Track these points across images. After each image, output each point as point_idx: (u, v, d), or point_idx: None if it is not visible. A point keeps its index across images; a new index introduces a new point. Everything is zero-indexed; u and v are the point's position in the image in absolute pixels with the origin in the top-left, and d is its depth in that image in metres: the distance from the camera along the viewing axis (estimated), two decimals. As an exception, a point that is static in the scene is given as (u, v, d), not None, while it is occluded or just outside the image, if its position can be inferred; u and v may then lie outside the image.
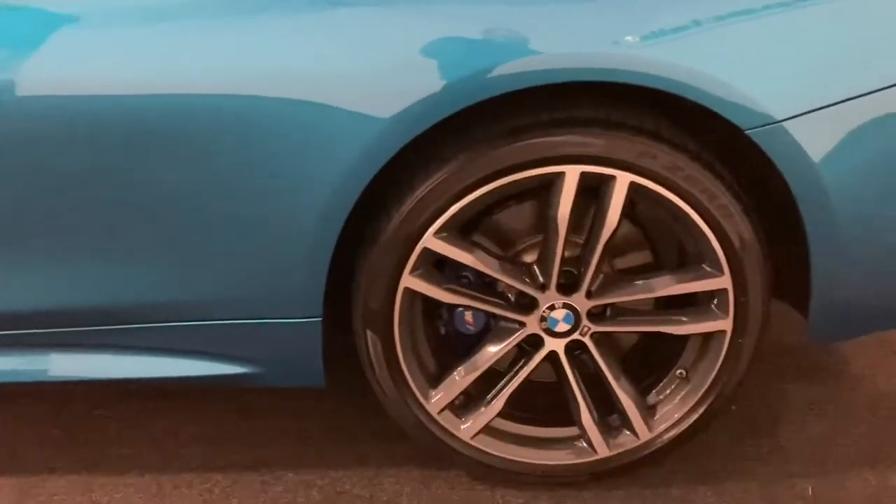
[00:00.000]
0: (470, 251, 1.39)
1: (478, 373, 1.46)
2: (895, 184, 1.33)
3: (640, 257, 1.54)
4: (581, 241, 1.43)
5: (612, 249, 1.50)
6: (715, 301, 1.42)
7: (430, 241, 1.36)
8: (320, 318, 1.41)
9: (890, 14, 1.27)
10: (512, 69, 1.23)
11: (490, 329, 1.50)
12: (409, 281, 1.39)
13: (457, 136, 1.34)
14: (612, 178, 1.32)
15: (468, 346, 1.51)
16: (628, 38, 1.23)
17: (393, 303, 1.40)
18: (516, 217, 1.50)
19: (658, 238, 1.52)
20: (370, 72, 1.26)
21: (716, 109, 1.25)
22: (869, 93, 1.26)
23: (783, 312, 1.56)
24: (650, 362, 1.55)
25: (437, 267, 1.45)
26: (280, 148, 1.28)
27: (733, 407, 1.78)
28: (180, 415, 1.75)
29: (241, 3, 1.29)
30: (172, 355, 1.48)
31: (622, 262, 1.53)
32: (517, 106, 1.32)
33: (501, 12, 1.25)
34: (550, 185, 1.34)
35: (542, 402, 1.56)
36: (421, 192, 1.33)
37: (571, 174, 1.32)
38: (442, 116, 1.25)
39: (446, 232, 1.36)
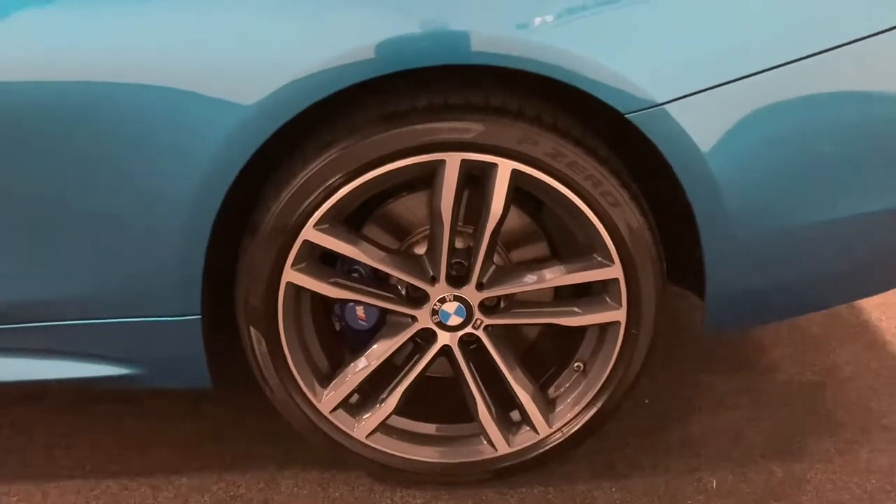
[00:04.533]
0: (354, 243, 1.34)
1: (370, 369, 1.41)
2: (780, 167, 1.30)
3: (537, 249, 1.51)
4: (471, 232, 1.39)
5: (508, 242, 1.48)
6: (607, 291, 1.39)
7: (310, 233, 1.31)
8: (199, 317, 1.35)
9: (764, 2, 1.24)
10: (377, 52, 1.19)
11: (384, 322, 1.46)
12: (291, 275, 1.34)
13: (333, 123, 1.29)
14: (494, 165, 1.28)
15: (363, 341, 1.47)
16: (501, 20, 1.19)
17: (276, 298, 1.35)
18: (409, 207, 1.46)
19: (554, 230, 1.48)
20: (232, 56, 1.21)
21: (594, 93, 1.21)
22: (750, 75, 1.23)
23: (698, 302, 1.54)
24: (550, 356, 1.52)
25: (328, 260, 1.40)
26: (142, 139, 1.23)
27: (646, 400, 1.76)
28: (68, 418, 1.69)
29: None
30: (50, 357, 1.41)
31: (519, 255, 1.49)
32: (395, 91, 1.28)
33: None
34: (434, 173, 1.30)
35: (442, 399, 1.52)
36: (298, 182, 1.28)
37: (452, 162, 1.28)
38: (308, 103, 1.21)
39: (327, 223, 1.31)
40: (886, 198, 1.36)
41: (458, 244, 1.38)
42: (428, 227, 1.42)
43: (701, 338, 1.88)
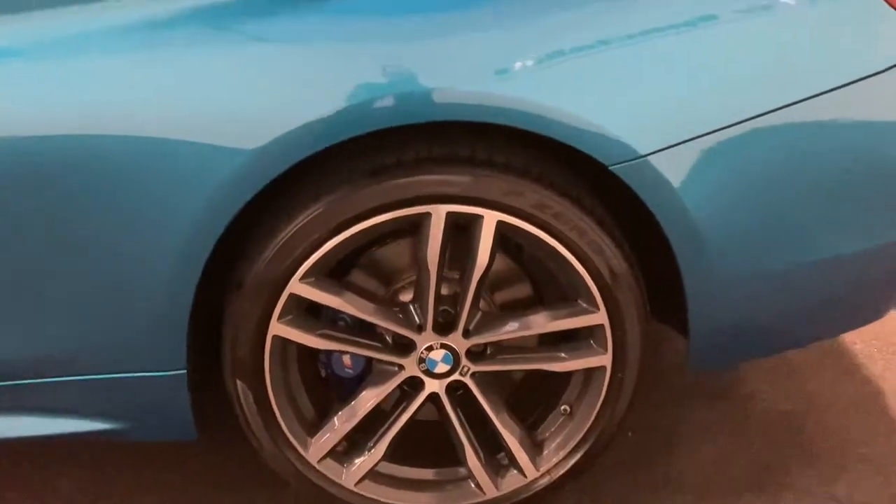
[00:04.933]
0: (339, 294, 1.34)
1: (357, 419, 1.41)
2: (762, 212, 1.32)
3: (520, 290, 1.51)
4: (457, 277, 1.40)
5: (490, 284, 1.48)
6: (593, 337, 1.40)
7: (295, 286, 1.30)
8: (185, 371, 1.34)
9: (743, 50, 1.26)
10: (369, 109, 1.19)
11: (370, 370, 1.46)
12: (277, 328, 1.33)
13: (319, 177, 1.29)
14: (480, 217, 1.29)
15: (349, 388, 1.47)
16: (482, 77, 1.20)
17: (262, 352, 1.34)
18: (394, 254, 1.46)
19: (536, 270, 1.49)
20: (221, 111, 1.20)
21: (578, 146, 1.23)
22: (732, 125, 1.25)
23: (676, 334, 1.55)
24: (536, 399, 1.52)
25: (312, 309, 1.40)
26: (126, 195, 1.21)
27: (630, 433, 1.78)
28: (51, 470, 1.67)
29: (82, 39, 1.22)
30: (31, 414, 1.39)
31: (501, 297, 1.50)
32: (381, 144, 1.28)
33: (359, 51, 1.21)
34: (419, 224, 1.31)
35: (430, 442, 1.52)
36: (284, 236, 1.28)
37: (437, 214, 1.28)
38: (298, 159, 1.21)
39: (313, 276, 1.31)
40: (862, 238, 1.40)
41: (444, 290, 1.39)
42: (413, 273, 1.43)
43: (678, 367, 1.90)
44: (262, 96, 1.20)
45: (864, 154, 1.33)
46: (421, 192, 1.26)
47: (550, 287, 1.48)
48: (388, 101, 1.19)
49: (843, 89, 1.26)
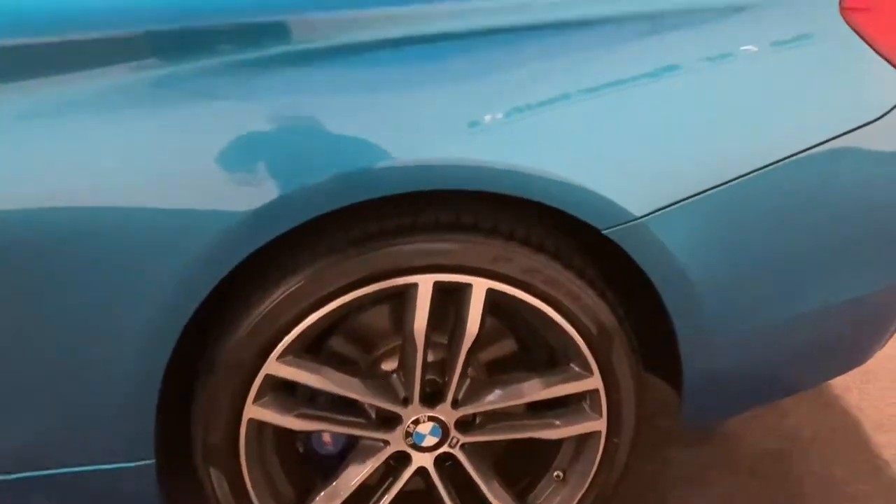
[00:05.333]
0: (319, 372, 1.25)
1: (340, 499, 1.32)
2: (755, 266, 1.28)
3: (506, 347, 1.44)
4: (443, 341, 1.32)
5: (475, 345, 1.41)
6: (587, 401, 1.34)
7: (272, 366, 1.21)
8: (153, 462, 1.24)
9: (734, 107, 1.21)
10: (351, 180, 1.11)
11: (353, 445, 1.37)
12: (253, 411, 1.23)
13: (296, 249, 1.20)
14: (469, 285, 1.22)
15: (330, 465, 1.37)
16: (469, 144, 1.12)
17: (237, 437, 1.24)
18: (375, 318, 1.37)
19: (521, 327, 1.43)
20: (199, 184, 1.10)
21: (571, 212, 1.16)
22: (725, 182, 1.20)
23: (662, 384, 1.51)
24: (526, 463, 1.46)
25: (288, 384, 1.30)
26: (88, 273, 1.11)
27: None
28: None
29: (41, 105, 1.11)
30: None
31: (486, 355, 1.42)
32: (361, 213, 1.19)
33: (335, 120, 1.11)
34: (405, 294, 1.23)
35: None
36: (258, 313, 1.18)
37: (425, 285, 1.20)
38: (273, 236, 1.12)
39: (291, 355, 1.22)
40: (856, 285, 1.37)
41: (430, 356, 1.31)
42: (395, 339, 1.35)
43: (665, 409, 1.86)
44: (225, 174, 1.10)
45: (858, 203, 1.30)
46: (406, 262, 1.18)
47: (534, 342, 1.42)
48: (356, 177, 1.10)
49: (834, 141, 1.23)
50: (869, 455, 1.82)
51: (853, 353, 1.51)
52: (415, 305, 1.21)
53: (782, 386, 1.48)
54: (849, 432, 1.88)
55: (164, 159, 1.09)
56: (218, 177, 1.09)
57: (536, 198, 1.15)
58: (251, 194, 1.09)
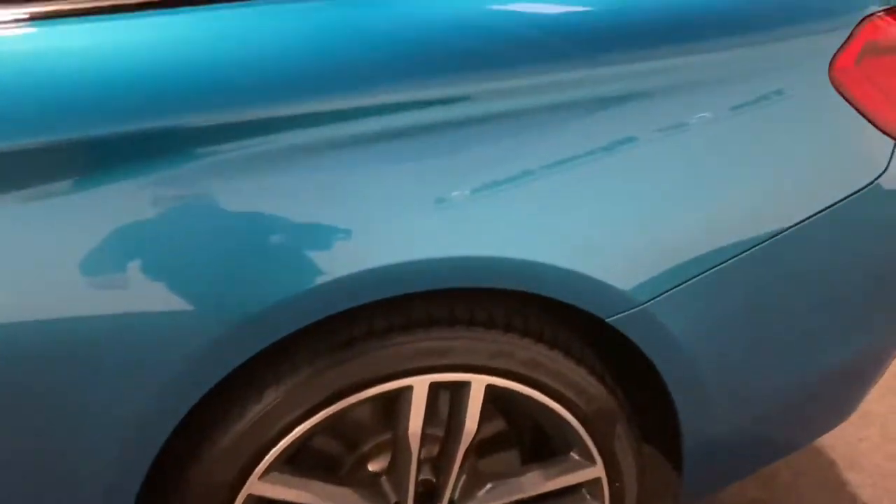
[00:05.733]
0: (305, 487, 1.14)
1: None
2: (759, 338, 1.24)
3: (494, 426, 1.35)
4: (437, 433, 1.23)
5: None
6: (587, 487, 1.27)
7: (254, 486, 1.09)
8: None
9: (733, 184, 1.17)
10: (337, 287, 1.01)
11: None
12: (234, 535, 1.12)
13: (277, 357, 1.09)
14: (467, 383, 1.14)
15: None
16: (472, 242, 1.03)
17: (216, 562, 1.13)
18: (360, 412, 1.26)
19: (512, 410, 1.35)
20: (194, 287, 0.97)
21: (575, 303, 1.09)
22: (728, 259, 1.16)
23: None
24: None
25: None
26: (68, 386, 0.97)
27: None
28: None
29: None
30: None
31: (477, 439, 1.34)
32: (346, 313, 1.09)
33: (315, 226, 1.00)
34: (397, 396, 1.13)
35: None
36: (239, 429, 1.06)
37: (420, 387, 1.11)
38: (252, 353, 1.01)
39: (274, 471, 1.10)
40: (849, 349, 1.35)
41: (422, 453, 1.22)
42: (381, 434, 1.25)
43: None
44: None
45: (853, 269, 1.27)
46: (399, 365, 1.09)
47: (523, 421, 1.35)
48: (336, 285, 0.99)
49: (831, 209, 1.20)
50: (848, 498, 1.82)
51: (845, 407, 1.49)
52: (409, 409, 1.12)
53: (782, 447, 1.45)
54: (824, 473, 1.87)
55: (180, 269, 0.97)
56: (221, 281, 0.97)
57: (544, 293, 1.07)
58: (229, 309, 0.98)
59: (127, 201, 0.94)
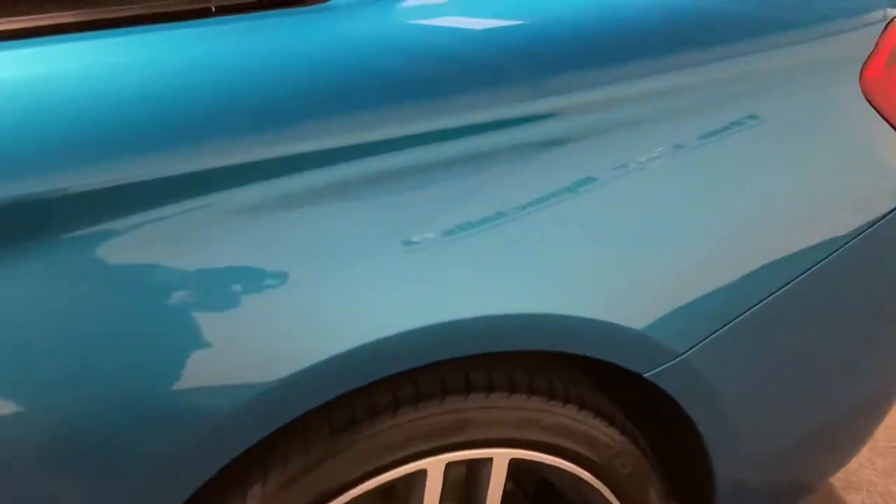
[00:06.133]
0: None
1: None
2: (791, 376, 1.12)
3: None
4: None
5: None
6: (616, 558, 1.13)
7: None
8: None
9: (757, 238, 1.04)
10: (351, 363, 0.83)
11: None
12: None
13: (266, 446, 0.89)
14: (488, 460, 0.97)
15: None
16: (503, 300, 0.86)
17: None
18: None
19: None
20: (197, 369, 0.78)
21: (613, 360, 0.95)
22: (760, 301, 1.03)
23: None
24: None
25: None
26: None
27: None
28: None
29: None
30: None
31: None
32: (347, 393, 0.91)
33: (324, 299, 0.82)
34: (408, 482, 0.96)
35: None
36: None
37: (434, 471, 0.94)
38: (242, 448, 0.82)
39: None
40: (872, 381, 1.25)
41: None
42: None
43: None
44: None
45: (884, 296, 1.17)
46: (410, 448, 0.91)
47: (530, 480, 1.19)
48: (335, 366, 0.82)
49: (870, 229, 1.09)
50: (851, 520, 1.74)
51: (861, 441, 1.40)
52: (422, 496, 0.95)
53: (806, 486, 1.35)
54: (823, 499, 1.80)
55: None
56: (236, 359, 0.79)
57: (581, 351, 0.91)
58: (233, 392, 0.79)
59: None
